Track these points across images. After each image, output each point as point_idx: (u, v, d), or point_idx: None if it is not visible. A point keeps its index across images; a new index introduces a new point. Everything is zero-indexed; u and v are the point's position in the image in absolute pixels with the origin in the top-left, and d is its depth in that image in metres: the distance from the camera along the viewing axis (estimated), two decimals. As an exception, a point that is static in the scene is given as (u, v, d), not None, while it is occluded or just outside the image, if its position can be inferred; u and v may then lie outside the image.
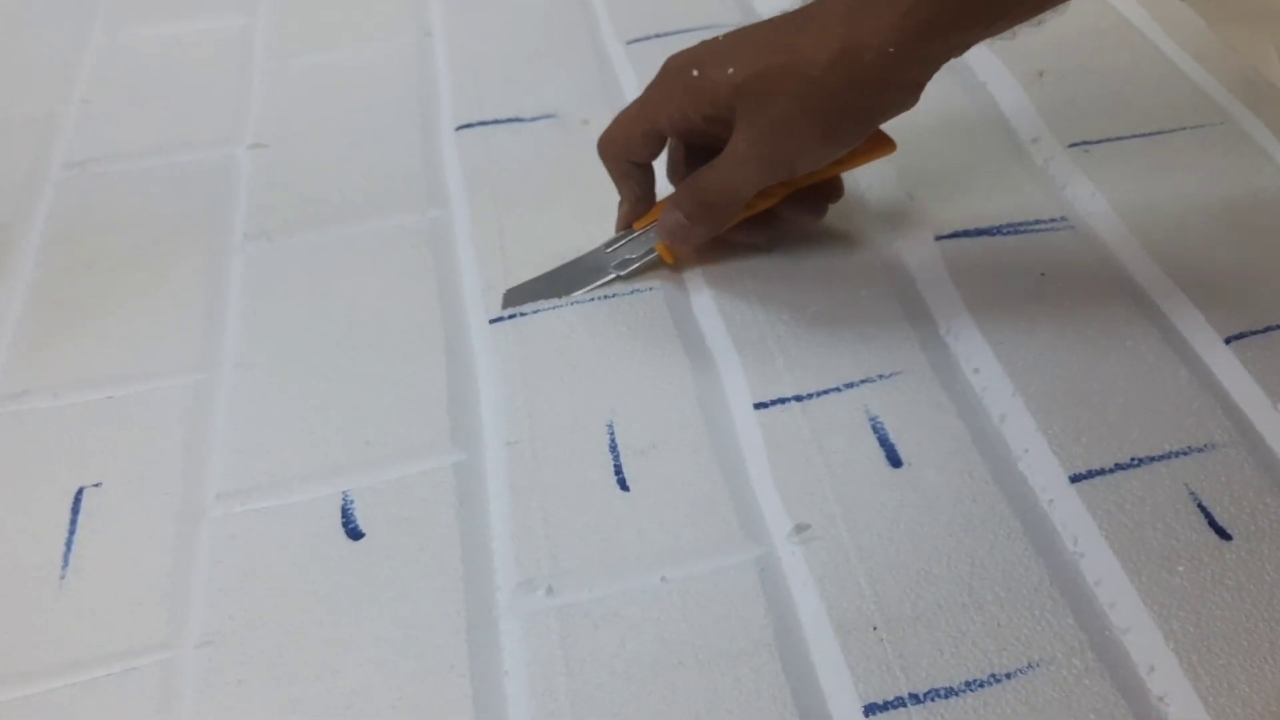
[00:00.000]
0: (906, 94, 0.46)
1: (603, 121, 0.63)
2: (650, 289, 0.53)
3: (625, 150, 0.52)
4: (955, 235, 0.55)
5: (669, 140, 0.52)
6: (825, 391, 0.48)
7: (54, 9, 0.76)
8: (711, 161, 0.49)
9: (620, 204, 0.54)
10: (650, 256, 0.54)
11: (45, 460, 0.48)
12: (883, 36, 0.42)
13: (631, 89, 0.66)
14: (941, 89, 0.63)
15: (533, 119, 0.64)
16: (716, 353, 0.51)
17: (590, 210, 0.58)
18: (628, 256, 0.54)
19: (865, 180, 0.59)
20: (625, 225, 0.55)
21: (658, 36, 0.70)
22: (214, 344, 0.52)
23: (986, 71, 0.65)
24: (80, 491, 0.46)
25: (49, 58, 0.72)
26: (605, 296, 0.53)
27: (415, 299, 0.54)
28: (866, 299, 0.52)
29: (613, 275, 0.54)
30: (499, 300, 0.53)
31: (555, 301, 0.53)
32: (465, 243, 0.57)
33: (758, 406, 0.48)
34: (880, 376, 0.49)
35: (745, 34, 0.48)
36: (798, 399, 0.48)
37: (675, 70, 0.49)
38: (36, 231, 0.59)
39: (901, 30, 0.42)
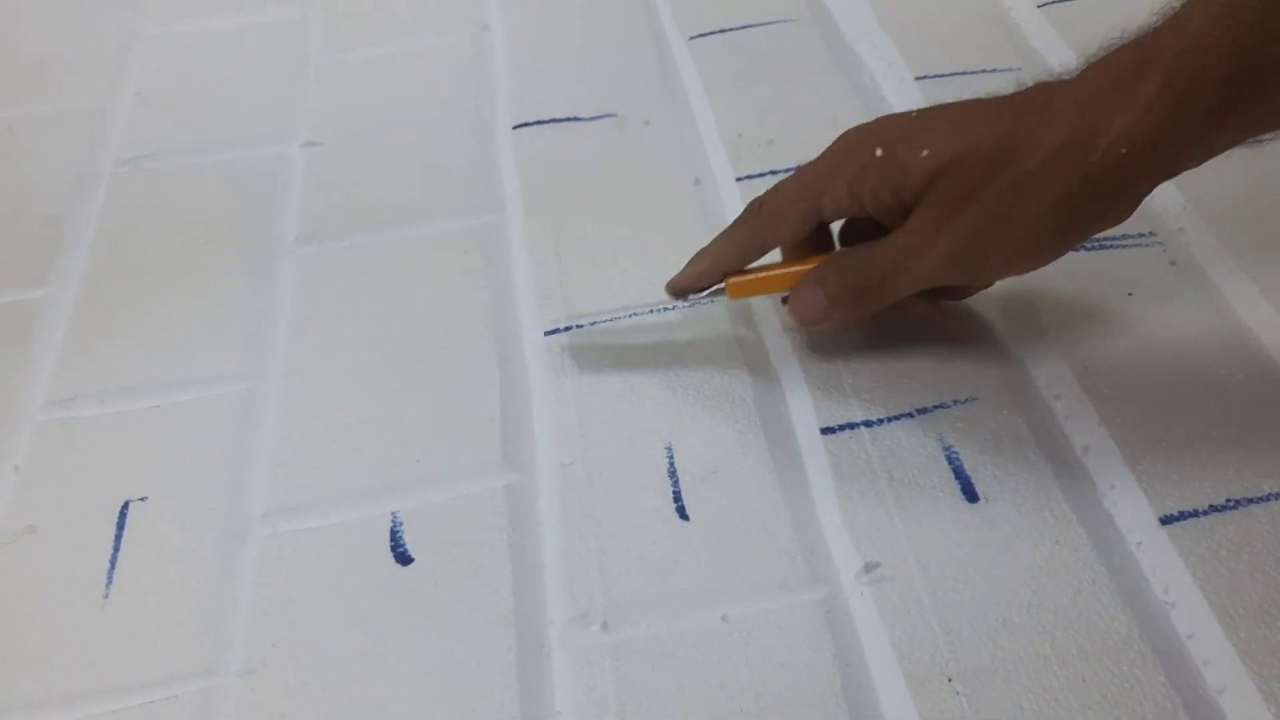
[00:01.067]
0: (1125, 206, 0.41)
1: (664, 121, 0.62)
2: (711, 302, 0.51)
3: (771, 228, 0.45)
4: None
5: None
6: (896, 417, 0.46)
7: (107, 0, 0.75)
8: (874, 243, 0.43)
9: (697, 258, 0.47)
10: (718, 289, 0.47)
11: (92, 471, 0.47)
12: (1116, 134, 0.38)
13: (694, 87, 0.64)
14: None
15: (592, 118, 0.62)
16: (781, 372, 0.48)
17: (651, 216, 0.56)
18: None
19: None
20: (688, 288, 0.47)
21: (721, 32, 0.67)
22: (262, 352, 0.51)
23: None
24: (126, 505, 0.45)
25: (102, 49, 0.71)
26: (664, 308, 0.51)
27: (468, 307, 0.52)
28: (938, 320, 0.49)
29: (675, 304, 0.49)
30: (554, 309, 0.51)
31: (613, 312, 0.51)
32: (520, 248, 0.55)
33: (825, 432, 0.45)
34: (955, 402, 0.46)
35: (944, 112, 0.42)
36: (867, 425, 0.46)
37: (853, 147, 0.43)
38: (89, 230, 0.58)
39: (1138, 129, 0.38)
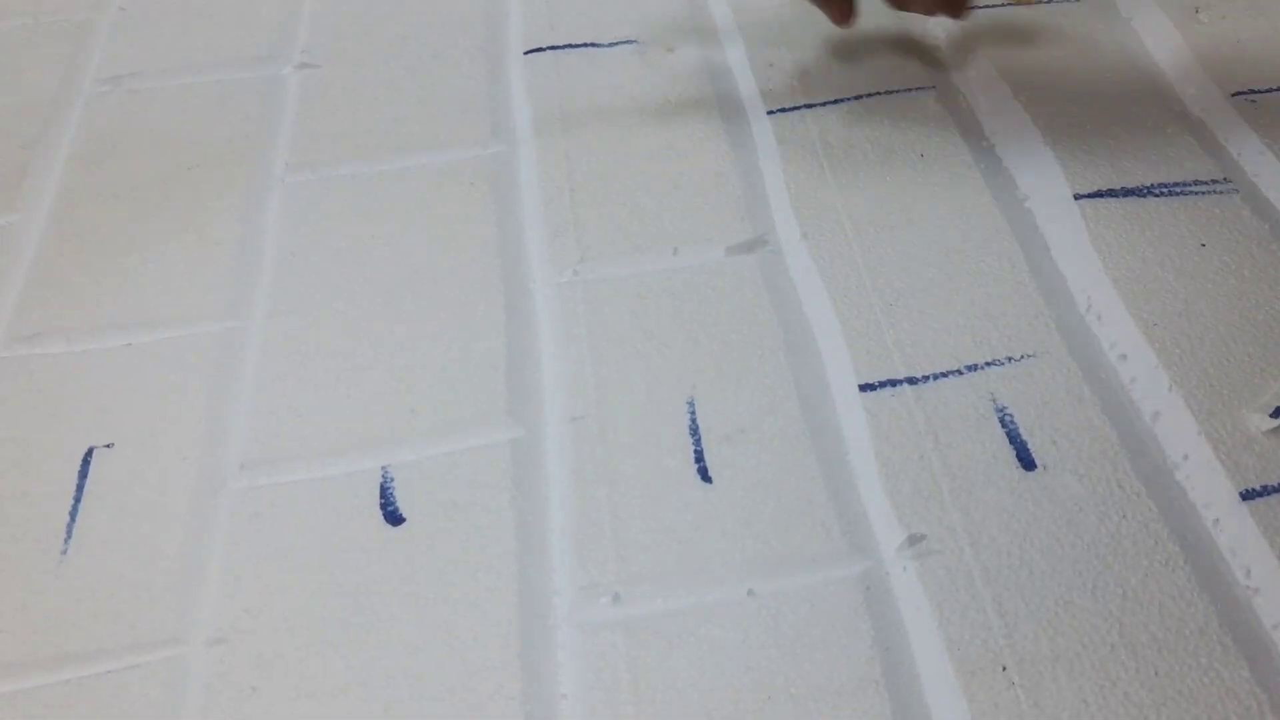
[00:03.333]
0: None
1: (688, 51, 0.57)
2: (752, 252, 0.46)
3: None
4: (1098, 195, 0.47)
5: None
6: (943, 375, 0.41)
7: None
8: None
9: None
10: None
11: (54, 414, 0.42)
12: None
13: (722, 13, 0.59)
14: (1082, 26, 0.56)
15: (610, 44, 0.57)
16: (814, 322, 0.44)
17: (673, 149, 0.51)
18: None
19: (991, 127, 0.51)
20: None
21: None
22: (246, 288, 0.47)
23: (1133, 7, 0.57)
24: (90, 452, 0.41)
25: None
26: (683, 265, 0.46)
27: (472, 245, 0.48)
28: (992, 267, 0.45)
29: None
30: (566, 249, 0.47)
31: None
32: (530, 183, 0.50)
33: (864, 389, 0.41)
34: (1009, 359, 0.42)
35: None
36: (910, 382, 0.41)
37: None
38: (62, 153, 0.54)
39: None
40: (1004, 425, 0.39)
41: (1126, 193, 0.47)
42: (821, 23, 0.56)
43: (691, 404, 0.41)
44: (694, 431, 0.40)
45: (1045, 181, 0.48)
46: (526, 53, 0.57)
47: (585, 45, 0.57)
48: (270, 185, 0.51)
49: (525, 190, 0.50)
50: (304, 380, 0.43)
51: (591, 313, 0.45)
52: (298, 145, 0.53)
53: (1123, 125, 0.50)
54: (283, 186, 0.51)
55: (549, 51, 0.57)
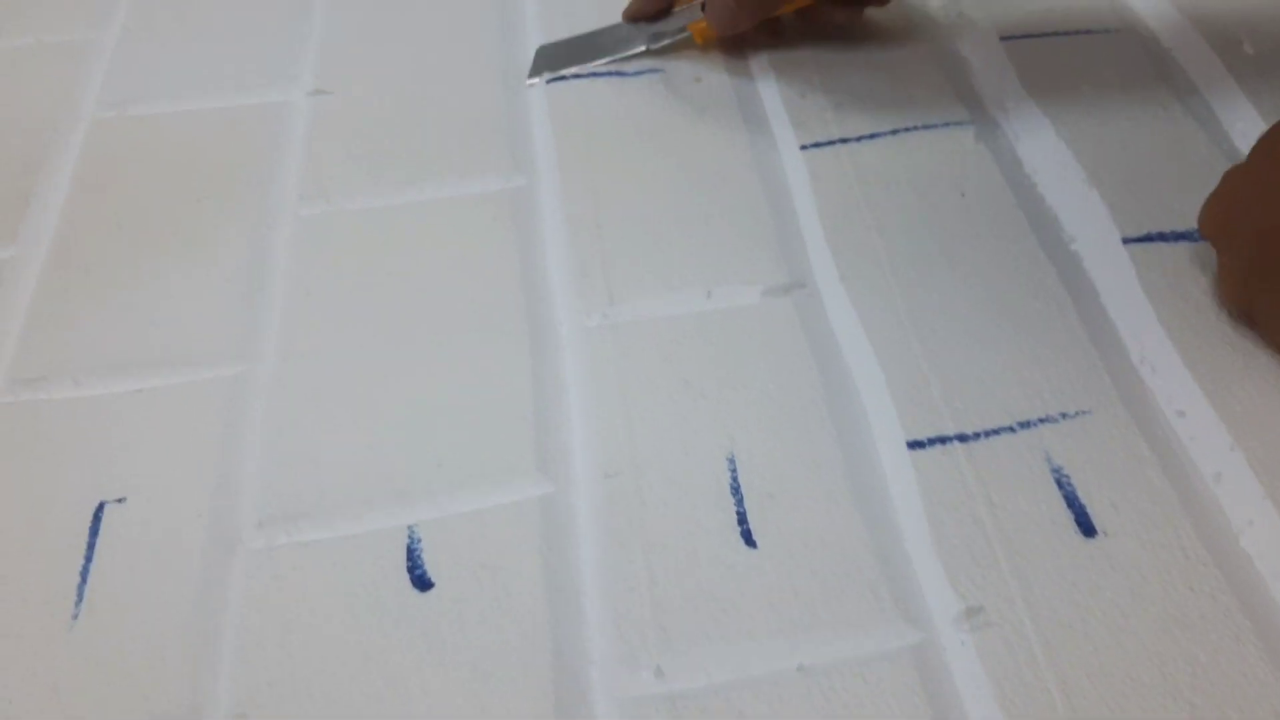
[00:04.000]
0: None
1: (716, 79, 0.55)
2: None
3: None
4: (1147, 239, 0.45)
5: None
6: (995, 431, 0.39)
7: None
8: None
9: None
10: (682, 35, 0.55)
11: (62, 464, 0.40)
12: None
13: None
14: (1122, 58, 0.54)
15: (635, 73, 0.55)
16: (856, 372, 0.42)
17: (703, 183, 0.49)
18: (660, 30, 0.55)
19: (1037, 167, 0.49)
20: (642, 13, 0.55)
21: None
22: (258, 328, 0.45)
23: (1174, 37, 0.55)
24: (101, 507, 0.39)
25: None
26: (717, 308, 0.44)
27: (495, 284, 0.46)
28: (1039, 313, 0.43)
29: (643, 48, 0.55)
30: (593, 289, 0.45)
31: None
32: (554, 217, 0.49)
33: (912, 446, 0.39)
34: (1062, 415, 0.40)
35: None
36: (961, 439, 0.39)
37: None
38: (64, 182, 0.51)
39: None
40: (1060, 487, 0.38)
41: (1177, 237, 0.45)
42: (853, 52, 0.55)
43: (732, 460, 0.39)
44: (735, 490, 0.38)
45: (1091, 223, 0.46)
46: (548, 80, 0.55)
47: (609, 74, 0.55)
48: (281, 218, 0.49)
49: (549, 226, 0.48)
50: (321, 429, 0.41)
51: (622, 358, 0.43)
52: (309, 175, 0.51)
53: (1169, 164, 0.49)
54: (294, 219, 0.49)
55: (571, 80, 0.55)
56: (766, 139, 0.51)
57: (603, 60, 0.55)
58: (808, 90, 0.53)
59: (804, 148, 0.51)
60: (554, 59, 0.55)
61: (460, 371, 0.43)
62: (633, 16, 0.56)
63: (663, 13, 0.55)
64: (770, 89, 0.54)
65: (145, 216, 0.49)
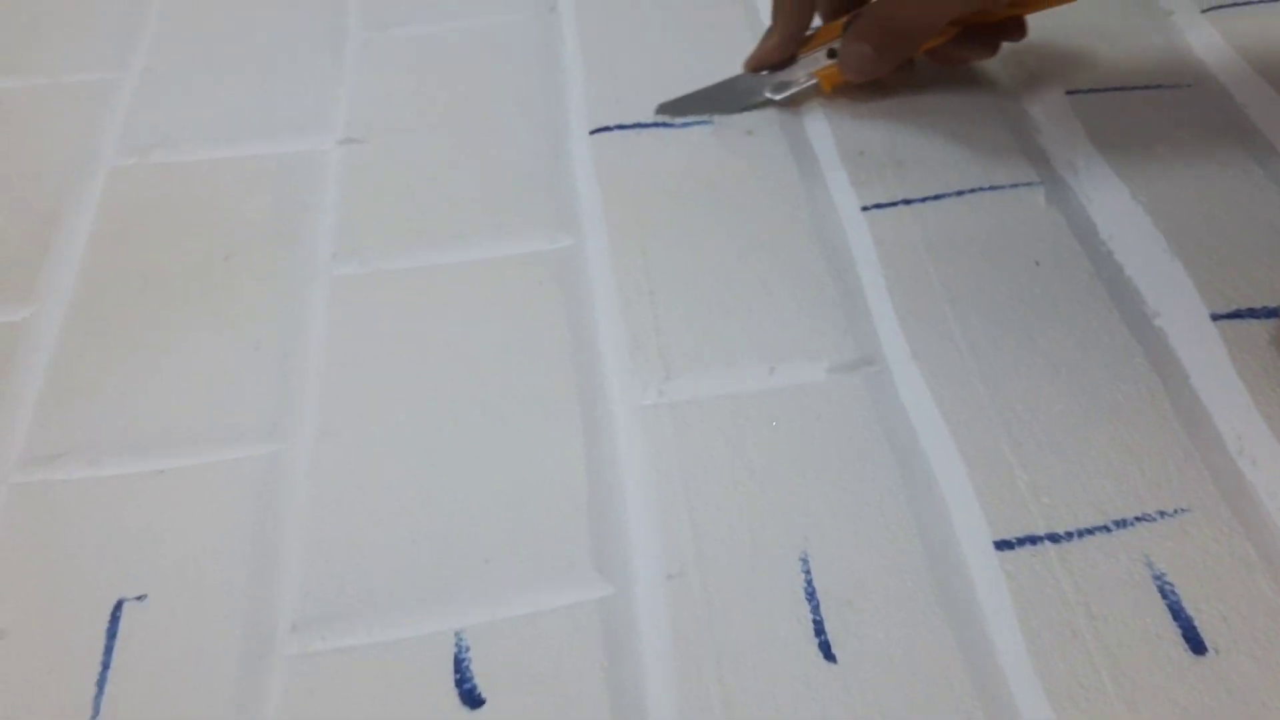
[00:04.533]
0: None
1: (768, 132, 0.52)
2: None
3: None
4: (1237, 315, 0.43)
5: None
6: (1089, 531, 0.37)
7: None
8: None
9: (767, 35, 0.53)
10: (809, 84, 0.52)
11: (80, 555, 0.37)
12: None
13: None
14: (1197, 114, 0.51)
15: (684, 125, 0.52)
16: (935, 460, 0.39)
17: (760, 246, 0.46)
18: (784, 80, 0.53)
19: (1113, 233, 0.46)
20: (766, 62, 0.53)
21: (831, 25, 0.58)
22: (292, 402, 0.42)
23: (1249, 93, 0.52)
24: (119, 606, 0.36)
25: (107, 11, 0.61)
26: (781, 385, 0.41)
27: (543, 355, 0.43)
28: (1128, 397, 0.40)
29: (768, 97, 0.53)
30: (648, 362, 0.42)
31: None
32: (604, 282, 0.46)
33: (999, 546, 0.36)
34: (1160, 514, 0.37)
35: None
36: (1053, 539, 0.36)
37: None
38: (82, 234, 0.49)
39: None
40: (1164, 596, 0.35)
41: (1270, 313, 0.42)
42: (911, 106, 0.52)
43: (805, 560, 0.36)
44: (810, 595, 0.35)
45: (1175, 297, 0.44)
46: (592, 133, 0.52)
47: (656, 125, 0.52)
48: (314, 278, 0.46)
49: (599, 292, 0.45)
50: (360, 518, 0.38)
51: (682, 442, 0.40)
52: (343, 232, 0.48)
53: (1252, 232, 0.46)
54: (328, 280, 0.46)
55: (616, 131, 0.52)
56: (825, 198, 0.49)
57: (730, 114, 0.52)
58: (866, 146, 0.51)
59: (865, 209, 0.48)
60: (678, 109, 0.53)
61: (508, 454, 0.40)
62: (757, 66, 0.53)
63: (788, 61, 0.53)
64: (826, 144, 0.51)
65: (169, 274, 0.47)
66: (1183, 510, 0.37)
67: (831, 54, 0.52)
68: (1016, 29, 0.52)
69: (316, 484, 0.39)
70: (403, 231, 0.48)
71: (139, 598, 0.36)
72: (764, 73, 0.53)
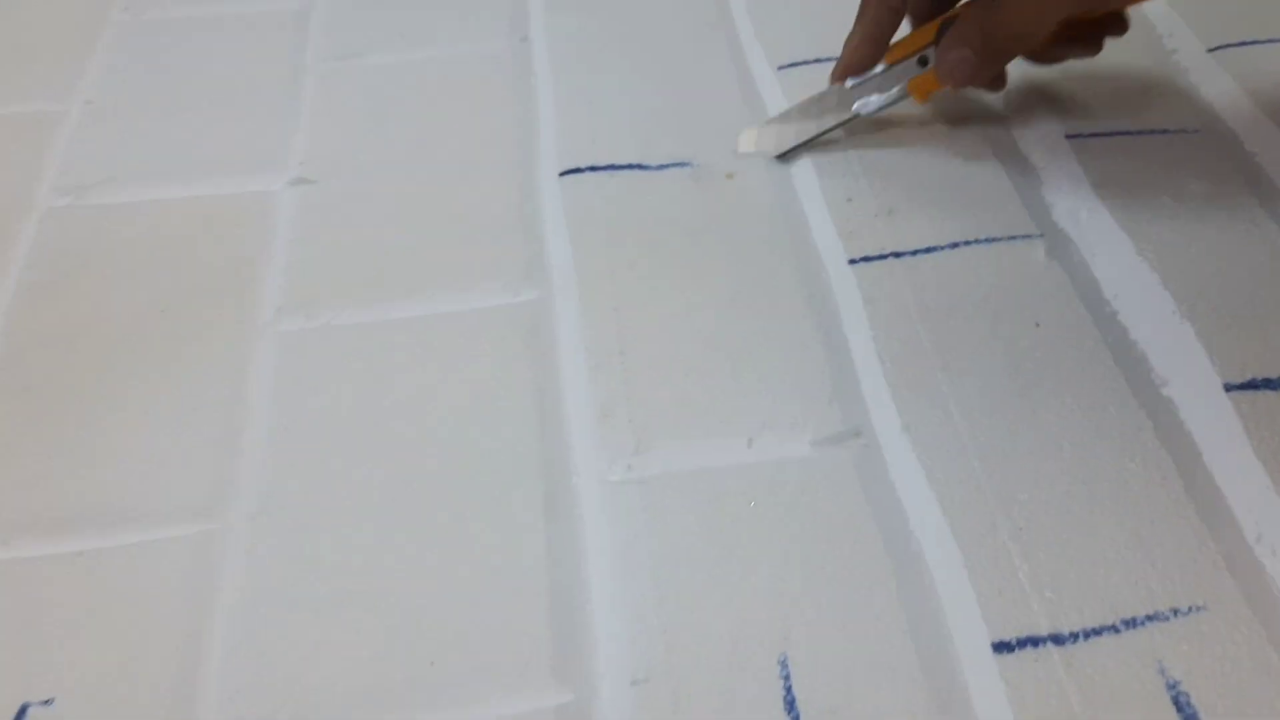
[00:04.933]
0: None
1: (751, 174, 0.49)
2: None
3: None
4: (1253, 386, 0.39)
5: None
6: (1095, 631, 0.33)
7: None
8: None
9: (850, 40, 0.49)
10: (901, 97, 0.48)
11: (-19, 648, 0.34)
12: None
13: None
14: (1207, 163, 0.48)
15: (660, 166, 0.49)
16: (927, 546, 0.36)
17: (739, 301, 0.43)
18: (871, 97, 0.49)
19: (1118, 292, 0.43)
20: (851, 67, 0.49)
21: (816, 62, 0.54)
22: (229, 476, 0.38)
23: (1259, 141, 0.49)
24: (24, 712, 0.32)
25: (50, 38, 0.58)
26: (761, 460, 0.38)
27: (504, 422, 0.40)
28: (1137, 477, 0.37)
29: (858, 114, 0.49)
30: (618, 434, 0.39)
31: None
32: (571, 341, 0.42)
33: (998, 649, 0.33)
34: (1174, 612, 0.34)
35: None
36: (1055, 641, 0.33)
37: None
38: (8, 282, 0.45)
39: None
40: (1180, 709, 0.32)
41: (1287, 384, 0.39)
42: (900, 147, 0.49)
43: (785, 664, 0.33)
44: (790, 705, 0.32)
45: (1185, 363, 0.41)
46: (562, 174, 0.49)
47: (630, 167, 0.49)
48: (258, 334, 0.43)
49: (566, 352, 0.42)
50: (296, 610, 0.35)
51: (653, 523, 0.37)
52: (292, 282, 0.45)
53: (1268, 293, 0.43)
54: (275, 336, 0.43)
55: (588, 173, 0.49)
56: (810, 249, 0.46)
57: (828, 129, 0.49)
58: (854, 192, 0.48)
59: (853, 261, 0.45)
60: (771, 139, 0.50)
61: (462, 536, 0.36)
62: (843, 74, 0.49)
63: (875, 61, 0.48)
64: (811, 189, 0.48)
65: (100, 329, 0.43)
66: (1198, 608, 0.34)
67: (923, 61, 0.48)
68: (1118, 24, 0.49)
69: (251, 569, 0.36)
70: (356, 283, 0.45)
71: (45, 702, 0.32)
72: (849, 83, 0.49)
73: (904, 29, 0.49)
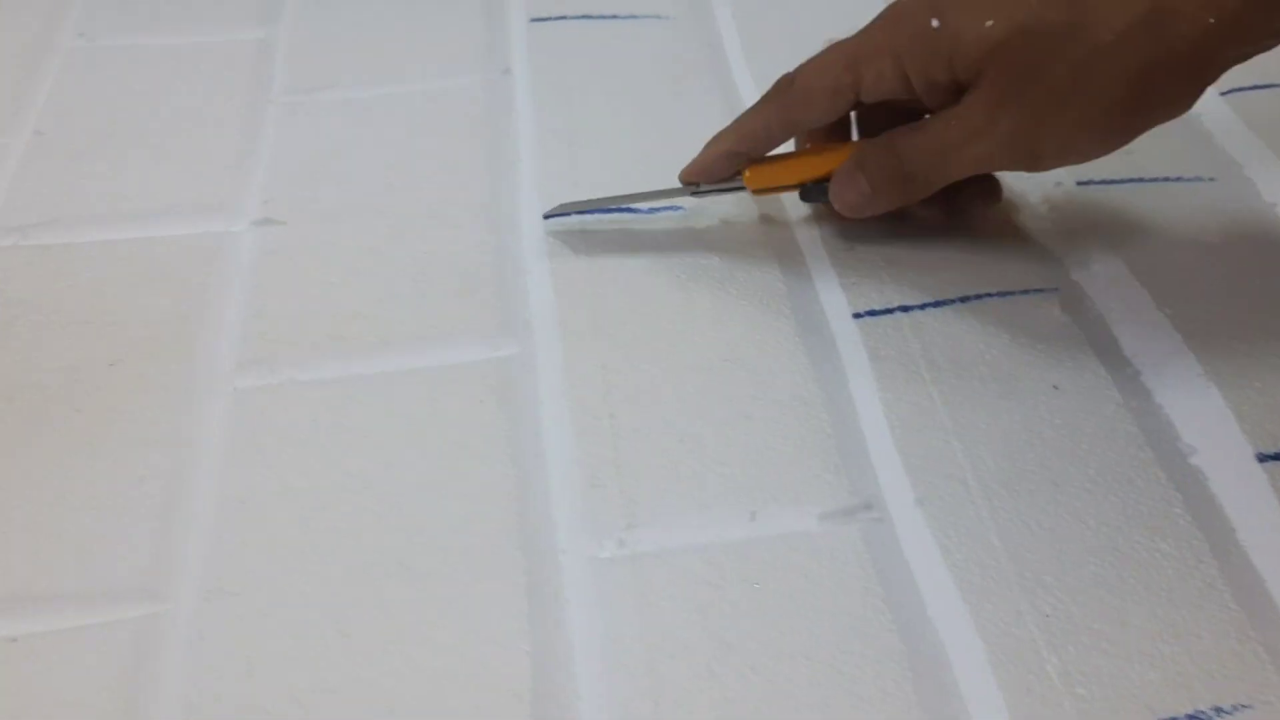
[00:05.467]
0: (1197, 88, 0.38)
1: (746, 220, 0.46)
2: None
3: (803, 106, 0.41)
4: (1287, 456, 0.37)
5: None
6: (1133, 735, 0.31)
7: (24, 6, 0.58)
8: (921, 124, 0.41)
9: (720, 139, 0.43)
10: (734, 183, 0.44)
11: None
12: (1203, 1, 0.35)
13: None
14: (1224, 212, 0.46)
15: (650, 210, 0.46)
16: (946, 634, 0.33)
17: (736, 360, 0.40)
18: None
19: (1138, 350, 0.41)
20: (707, 176, 0.43)
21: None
22: (176, 551, 0.35)
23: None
24: (-67, 830, 0.29)
25: (5, 66, 0.54)
26: (764, 535, 0.35)
27: (479, 490, 0.36)
28: (1168, 558, 0.34)
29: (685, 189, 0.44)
30: (608, 506, 0.36)
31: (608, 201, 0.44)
32: (555, 401, 0.39)
33: (1025, 744, 0.30)
34: (1217, 711, 0.31)
35: None
36: (1090, 742, 0.30)
37: (903, 14, 0.39)
38: (-58, 329, 0.42)
39: None
40: (1230, 825, 0.29)
41: (1326, 462, 0.37)
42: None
43: (793, 770, 0.30)
44: (801, 821, 0.29)
45: (1215, 430, 0.38)
46: (546, 216, 0.46)
47: (619, 210, 0.46)
48: (214, 390, 0.39)
49: (549, 413, 0.39)
50: (247, 707, 0.31)
51: (645, 608, 0.33)
52: (251, 334, 0.41)
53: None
54: (231, 393, 0.39)
55: (575, 217, 0.46)
56: (811, 302, 0.43)
57: (637, 201, 0.45)
58: (856, 240, 0.45)
59: (858, 315, 0.42)
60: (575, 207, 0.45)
61: (433, 623, 0.33)
62: (692, 178, 0.44)
63: (733, 173, 0.43)
64: (810, 237, 0.45)
65: (39, 385, 0.39)
66: (1242, 707, 0.31)
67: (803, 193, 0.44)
68: (994, 190, 0.44)
69: (198, 658, 0.32)
70: (320, 334, 0.41)
71: (-40, 821, 0.29)
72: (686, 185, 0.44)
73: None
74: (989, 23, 0.37)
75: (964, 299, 0.42)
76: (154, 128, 0.50)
